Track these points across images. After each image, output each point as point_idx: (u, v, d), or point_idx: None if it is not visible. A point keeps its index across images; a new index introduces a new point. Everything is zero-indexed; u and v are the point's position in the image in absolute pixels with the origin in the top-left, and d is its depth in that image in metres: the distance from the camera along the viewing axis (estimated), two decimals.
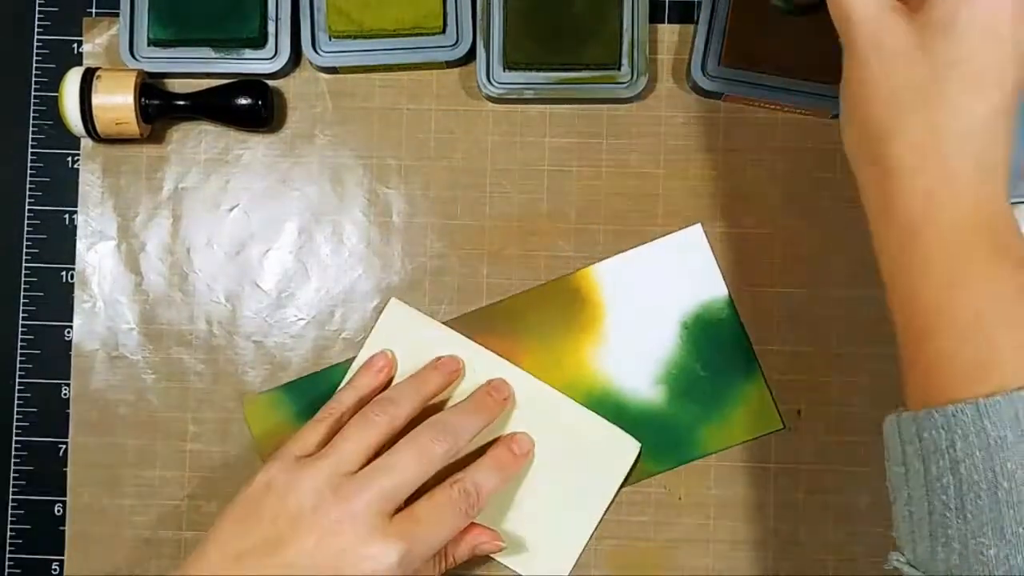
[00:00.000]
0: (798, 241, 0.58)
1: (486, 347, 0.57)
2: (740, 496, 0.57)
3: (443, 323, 0.58)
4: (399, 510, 0.50)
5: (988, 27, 0.40)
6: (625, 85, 0.57)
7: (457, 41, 0.57)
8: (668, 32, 0.58)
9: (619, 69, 0.57)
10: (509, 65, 0.57)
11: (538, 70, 0.57)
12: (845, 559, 0.57)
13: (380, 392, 0.55)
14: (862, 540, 0.57)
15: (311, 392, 0.58)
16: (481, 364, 0.57)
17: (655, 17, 0.58)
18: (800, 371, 0.57)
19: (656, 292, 0.57)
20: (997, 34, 0.40)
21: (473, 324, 0.58)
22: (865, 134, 0.42)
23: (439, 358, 0.56)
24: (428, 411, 0.55)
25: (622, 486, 0.57)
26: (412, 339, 0.57)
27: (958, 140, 0.39)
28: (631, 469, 0.57)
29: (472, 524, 0.54)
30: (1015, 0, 0.40)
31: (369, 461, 0.50)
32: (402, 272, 0.58)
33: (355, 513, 0.48)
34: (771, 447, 0.57)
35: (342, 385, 0.56)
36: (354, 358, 0.57)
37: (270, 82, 0.58)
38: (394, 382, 0.56)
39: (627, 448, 0.57)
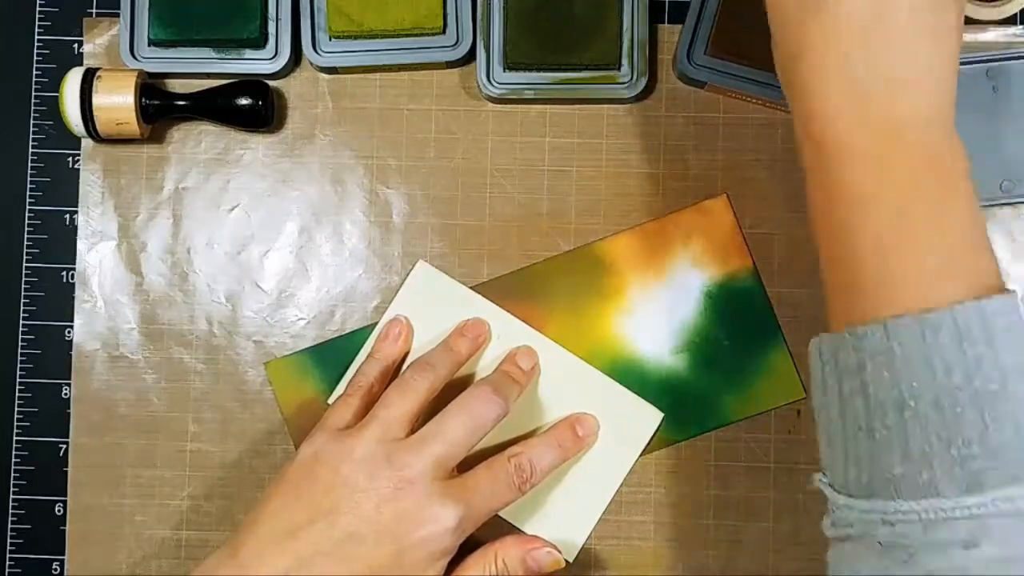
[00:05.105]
0: (798, 241, 0.58)
1: (511, 313, 0.57)
2: (740, 496, 0.57)
3: (469, 288, 0.58)
4: (451, 475, 0.50)
5: None
6: (625, 85, 0.57)
7: (457, 41, 0.57)
8: (668, 32, 0.58)
9: (619, 69, 0.57)
10: (509, 65, 0.57)
11: (538, 70, 0.57)
12: None
13: (399, 358, 0.56)
14: None
15: (335, 355, 0.57)
16: (506, 329, 0.57)
17: (655, 17, 0.58)
18: (799, 371, 0.57)
19: (680, 261, 0.57)
20: None
21: (498, 289, 0.58)
22: (779, 55, 0.42)
23: (465, 322, 0.56)
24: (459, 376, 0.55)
25: (643, 454, 0.57)
26: (438, 302, 0.57)
27: (861, 56, 0.38)
28: (652, 438, 0.57)
29: (533, 537, 0.53)
30: None
31: (412, 426, 0.50)
32: (402, 272, 0.58)
33: (411, 479, 0.48)
34: (771, 447, 0.57)
35: (360, 355, 0.56)
36: (376, 323, 0.57)
37: (270, 82, 0.58)
38: (419, 343, 0.56)
39: (649, 417, 0.57)
